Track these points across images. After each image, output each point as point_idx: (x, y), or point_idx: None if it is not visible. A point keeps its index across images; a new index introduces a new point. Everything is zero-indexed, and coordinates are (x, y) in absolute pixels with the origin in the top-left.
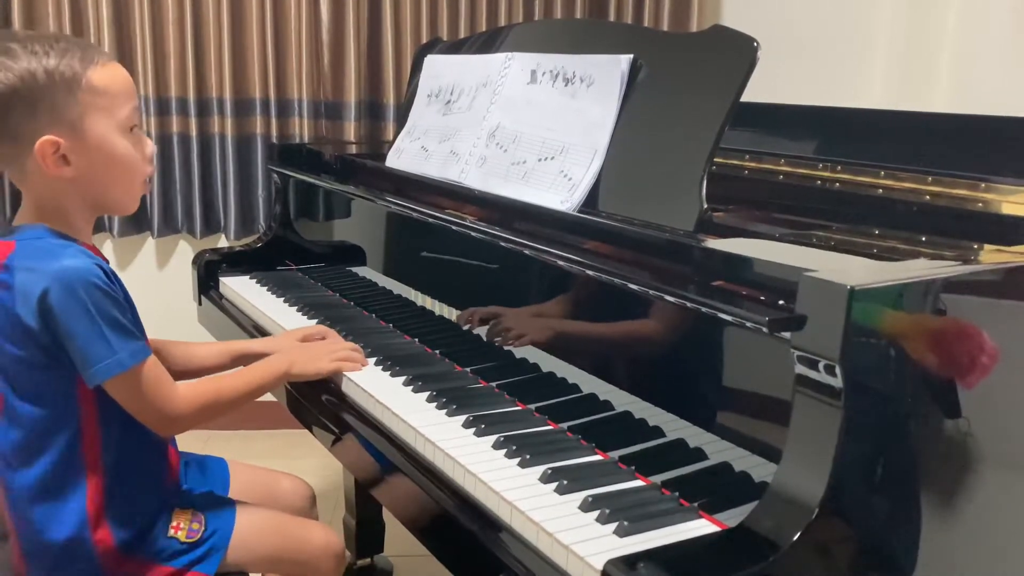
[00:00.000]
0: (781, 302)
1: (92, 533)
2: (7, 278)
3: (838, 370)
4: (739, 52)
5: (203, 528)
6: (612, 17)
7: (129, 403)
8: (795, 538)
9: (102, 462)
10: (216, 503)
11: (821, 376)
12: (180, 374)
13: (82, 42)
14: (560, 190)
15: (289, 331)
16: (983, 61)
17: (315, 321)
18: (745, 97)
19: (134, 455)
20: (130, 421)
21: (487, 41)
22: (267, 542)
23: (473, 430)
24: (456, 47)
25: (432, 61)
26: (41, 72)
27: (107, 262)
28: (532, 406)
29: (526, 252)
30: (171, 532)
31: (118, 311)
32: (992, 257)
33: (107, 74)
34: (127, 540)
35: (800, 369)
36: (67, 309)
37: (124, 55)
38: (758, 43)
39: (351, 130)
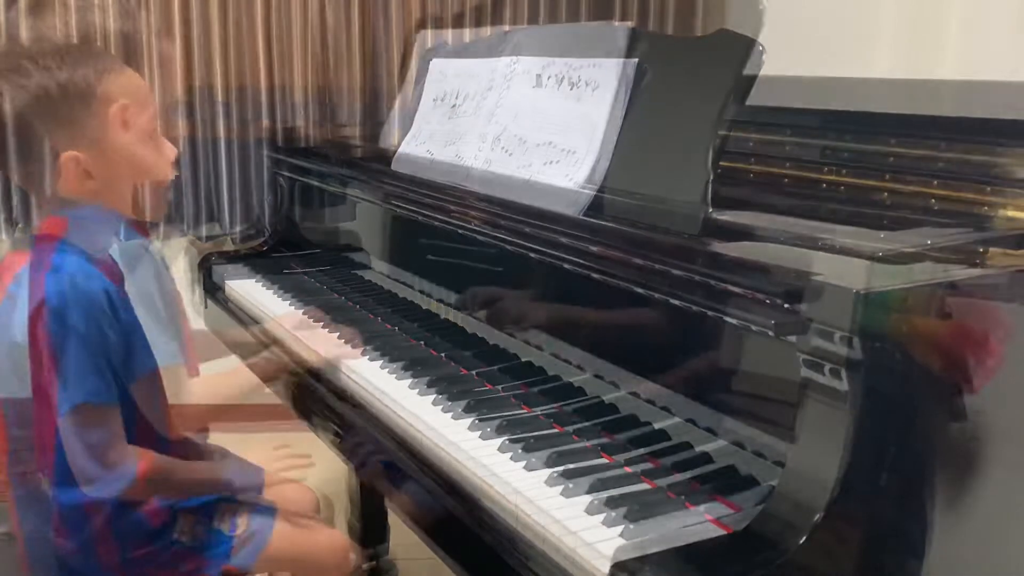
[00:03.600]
0: (788, 305)
1: (97, 546)
2: (15, 290)
3: (844, 373)
4: (744, 56)
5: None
6: (617, 15)
7: (70, 442)
8: (801, 541)
9: None
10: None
11: (827, 379)
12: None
13: (94, 50)
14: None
15: (286, 324)
16: (991, 28)
17: (320, 324)
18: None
19: None
20: (151, 440)
21: (492, 44)
22: (275, 543)
23: (479, 433)
24: (461, 51)
25: (437, 65)
26: (55, 87)
27: (121, 283)
28: (538, 409)
29: (531, 254)
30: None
31: (103, 344)
32: (999, 261)
33: (122, 82)
34: (131, 556)
35: (806, 372)
36: (56, 331)
37: (129, 59)
38: (763, 47)
39: (356, 133)
